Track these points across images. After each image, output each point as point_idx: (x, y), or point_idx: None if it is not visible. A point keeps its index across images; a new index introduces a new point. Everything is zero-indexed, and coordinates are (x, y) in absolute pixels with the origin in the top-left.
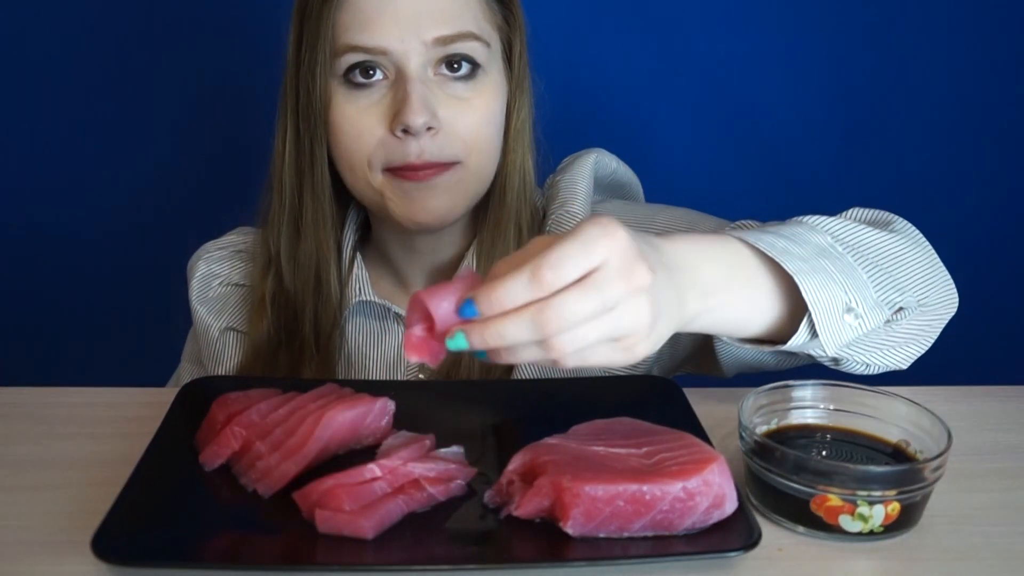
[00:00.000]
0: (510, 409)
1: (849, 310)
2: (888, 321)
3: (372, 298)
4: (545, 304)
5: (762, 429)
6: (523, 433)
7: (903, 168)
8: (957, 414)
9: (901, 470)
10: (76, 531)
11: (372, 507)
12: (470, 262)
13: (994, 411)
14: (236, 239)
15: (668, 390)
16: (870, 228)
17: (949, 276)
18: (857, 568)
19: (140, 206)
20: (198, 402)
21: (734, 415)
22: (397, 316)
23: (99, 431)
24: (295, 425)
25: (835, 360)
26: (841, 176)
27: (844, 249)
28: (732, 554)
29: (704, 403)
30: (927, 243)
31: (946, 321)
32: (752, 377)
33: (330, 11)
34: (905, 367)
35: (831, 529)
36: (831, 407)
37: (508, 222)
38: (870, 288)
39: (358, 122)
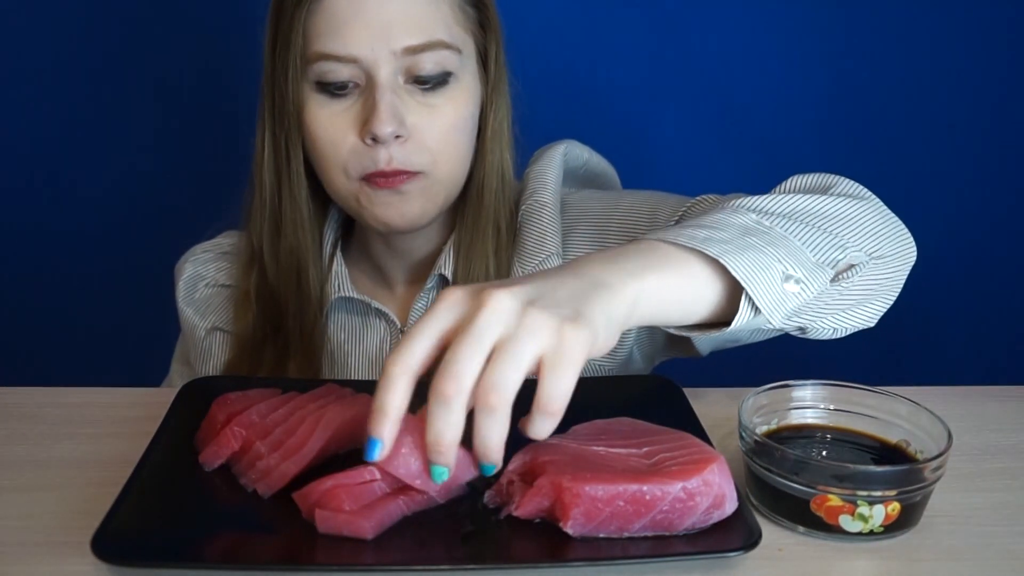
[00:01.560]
0: (511, 409)
1: (787, 277)
2: (836, 280)
3: (351, 294)
4: (437, 383)
5: (762, 429)
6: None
7: (902, 168)
8: (957, 414)
9: (901, 470)
10: (76, 531)
11: (372, 507)
12: (447, 258)
13: (994, 411)
14: (223, 242)
15: (668, 390)
16: (804, 195)
17: (903, 226)
18: (857, 568)
19: (140, 206)
20: (198, 402)
21: (734, 415)
22: (378, 312)
23: (99, 431)
24: (295, 425)
25: (801, 329)
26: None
27: (773, 221)
28: (732, 554)
29: (704, 403)
30: (874, 197)
31: (906, 271)
32: (752, 377)
33: (302, 17)
34: (873, 324)
35: (831, 529)
36: (831, 407)
37: (487, 221)
38: (806, 252)
39: (331, 129)
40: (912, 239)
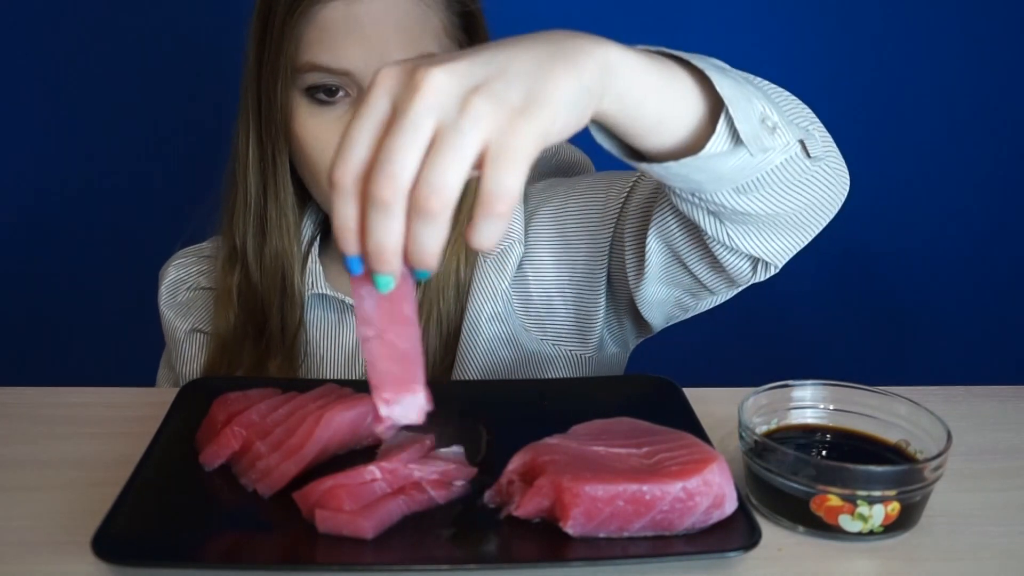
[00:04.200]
0: (510, 409)
1: (764, 118)
2: (794, 158)
3: (325, 291)
4: (372, 186)
5: (762, 429)
6: (523, 433)
7: (902, 169)
8: (957, 414)
9: (901, 470)
10: (76, 531)
11: (372, 507)
12: None
13: (994, 411)
14: (207, 246)
15: (668, 390)
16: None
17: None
18: (857, 568)
19: (139, 206)
20: (198, 402)
21: (734, 415)
22: (350, 308)
23: (99, 431)
24: (295, 425)
25: (717, 217)
26: None
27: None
28: (732, 554)
29: (704, 403)
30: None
31: (831, 212)
32: (752, 377)
33: (293, 26)
34: (778, 262)
35: (831, 529)
36: (831, 407)
37: (463, 218)
38: (780, 107)
39: (321, 138)
40: (846, 180)
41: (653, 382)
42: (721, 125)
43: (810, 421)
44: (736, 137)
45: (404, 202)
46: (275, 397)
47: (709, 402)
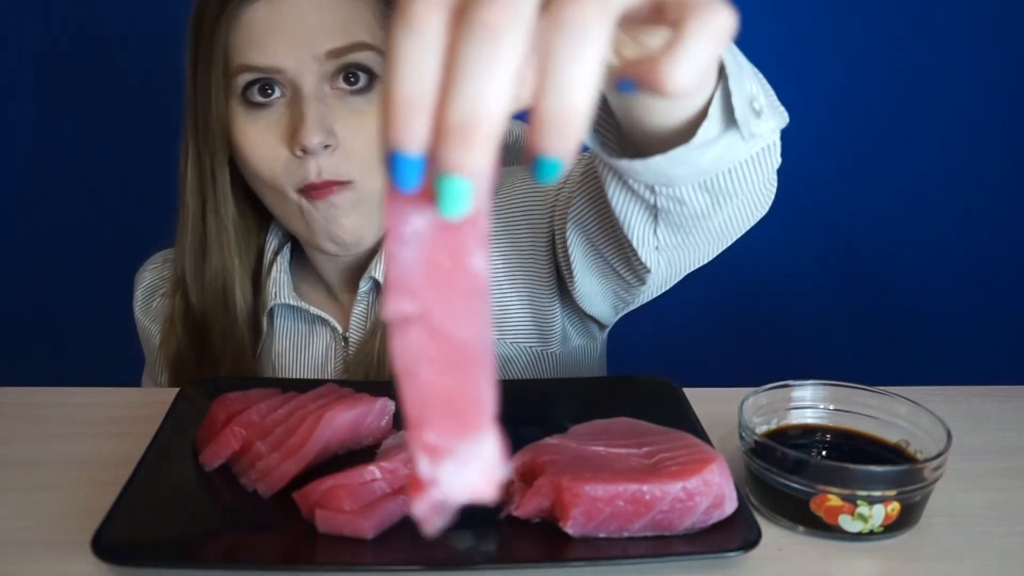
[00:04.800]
0: (510, 409)
1: (753, 100)
2: (770, 148)
3: (290, 301)
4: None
5: (762, 429)
6: (523, 433)
7: (902, 169)
8: (957, 414)
9: (901, 470)
10: (76, 531)
11: (372, 507)
12: (379, 261)
13: (994, 411)
14: None
15: (668, 390)
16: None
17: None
18: (857, 568)
19: (140, 205)
20: (198, 402)
21: (734, 415)
22: (317, 319)
23: (99, 431)
24: (295, 425)
25: (655, 213)
26: (841, 176)
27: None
28: (732, 554)
29: (704, 403)
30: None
31: (753, 220)
32: (752, 377)
33: (221, 33)
34: (701, 260)
35: (831, 529)
36: (831, 407)
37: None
38: (769, 90)
39: (261, 144)
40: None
41: (653, 382)
42: (716, 104)
43: (810, 421)
44: (725, 121)
45: (527, 31)
46: (275, 397)
47: (709, 402)
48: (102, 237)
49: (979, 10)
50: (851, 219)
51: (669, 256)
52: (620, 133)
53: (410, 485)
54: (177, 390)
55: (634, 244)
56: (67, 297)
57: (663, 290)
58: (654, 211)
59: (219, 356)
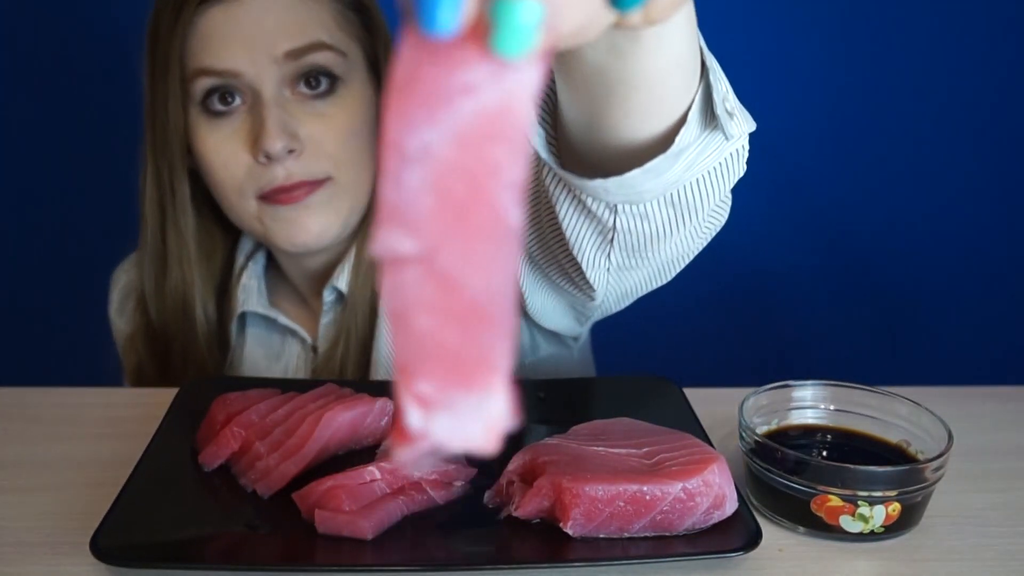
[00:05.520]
0: None
1: (724, 100)
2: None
3: (257, 309)
4: None
5: (762, 429)
6: (523, 433)
7: (902, 168)
8: (957, 414)
9: (902, 470)
10: (76, 531)
11: (371, 507)
12: (343, 271)
13: (994, 411)
14: None
15: (668, 390)
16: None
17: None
18: (857, 568)
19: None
20: (198, 402)
21: (734, 415)
22: (286, 328)
23: (99, 431)
24: (295, 425)
25: (607, 235)
26: (842, 176)
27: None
28: (732, 554)
29: (704, 403)
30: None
31: (707, 238)
32: (752, 377)
33: (177, 37)
34: (651, 285)
35: (832, 529)
36: (831, 407)
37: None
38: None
39: (223, 152)
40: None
41: (653, 382)
42: (696, 107)
43: (810, 421)
44: (702, 124)
45: None
46: (275, 397)
47: (709, 402)
48: (103, 237)
49: (981, 5)
50: (852, 219)
51: (619, 278)
52: (578, 156)
53: (394, 432)
54: (177, 390)
55: (583, 266)
56: (68, 297)
57: (619, 308)
58: (611, 232)
59: (179, 373)
